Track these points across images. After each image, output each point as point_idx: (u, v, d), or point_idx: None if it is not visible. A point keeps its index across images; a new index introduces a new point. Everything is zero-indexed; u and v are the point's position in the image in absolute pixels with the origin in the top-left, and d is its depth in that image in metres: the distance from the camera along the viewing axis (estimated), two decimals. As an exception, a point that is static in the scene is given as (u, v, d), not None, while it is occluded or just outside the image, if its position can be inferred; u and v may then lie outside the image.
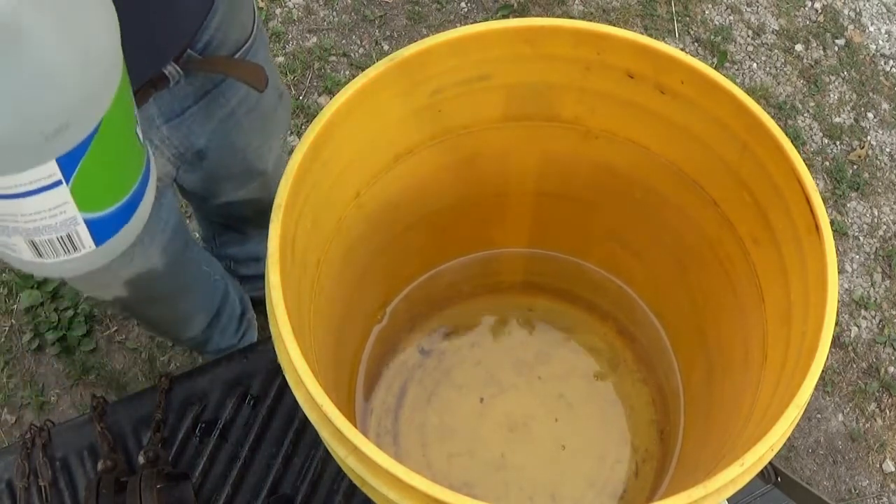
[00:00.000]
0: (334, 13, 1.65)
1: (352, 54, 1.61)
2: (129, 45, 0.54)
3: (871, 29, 1.75)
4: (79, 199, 0.42)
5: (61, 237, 0.43)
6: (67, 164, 0.40)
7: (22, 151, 0.38)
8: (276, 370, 0.69)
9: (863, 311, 1.48)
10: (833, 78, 1.69)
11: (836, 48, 1.72)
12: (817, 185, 1.50)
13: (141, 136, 0.45)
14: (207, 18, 0.63)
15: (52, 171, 0.40)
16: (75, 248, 0.44)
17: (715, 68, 0.56)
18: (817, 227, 0.50)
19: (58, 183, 0.40)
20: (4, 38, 0.35)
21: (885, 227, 1.55)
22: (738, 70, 1.69)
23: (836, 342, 1.45)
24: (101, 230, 0.44)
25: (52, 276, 0.47)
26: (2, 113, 0.36)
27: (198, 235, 1.43)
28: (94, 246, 0.45)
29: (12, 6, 0.34)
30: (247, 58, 0.69)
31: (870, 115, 1.66)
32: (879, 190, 1.59)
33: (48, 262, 0.45)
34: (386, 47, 1.61)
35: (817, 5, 1.77)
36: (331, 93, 1.53)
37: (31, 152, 0.39)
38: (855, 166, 1.61)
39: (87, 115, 0.40)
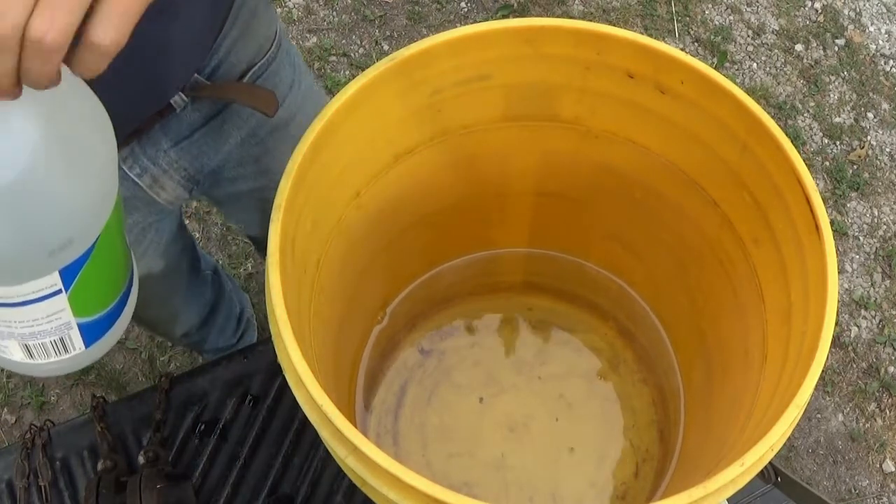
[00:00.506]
0: (334, 13, 1.65)
1: (352, 54, 1.61)
2: (131, 90, 0.54)
3: (871, 29, 1.75)
4: (74, 306, 0.43)
5: (54, 341, 0.44)
6: (68, 274, 0.41)
7: (26, 266, 0.39)
8: (276, 370, 0.69)
9: (863, 311, 1.48)
10: (833, 78, 1.69)
11: (836, 48, 1.72)
12: (817, 185, 1.51)
13: (127, 238, 0.46)
14: (216, 43, 0.61)
15: (53, 281, 0.41)
16: (66, 351, 0.45)
17: (715, 68, 0.56)
18: (817, 227, 0.50)
19: (57, 292, 0.41)
20: (19, 183, 0.36)
21: (885, 227, 1.55)
22: (738, 70, 1.69)
23: (836, 342, 1.45)
24: (91, 333, 0.46)
25: (39, 375, 0.48)
26: (10, 237, 0.37)
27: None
28: (83, 348, 0.46)
29: (30, 159, 0.35)
30: (265, 74, 0.66)
31: (870, 115, 1.66)
32: (879, 190, 1.59)
33: (38, 364, 0.46)
34: (386, 47, 1.61)
35: (817, 5, 1.77)
36: (331, 93, 1.53)
37: (35, 267, 0.40)
38: (855, 166, 1.61)
39: (90, 229, 0.41)
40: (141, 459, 0.64)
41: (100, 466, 0.64)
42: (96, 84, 0.51)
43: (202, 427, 0.67)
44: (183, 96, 0.60)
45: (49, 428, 0.67)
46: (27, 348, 0.45)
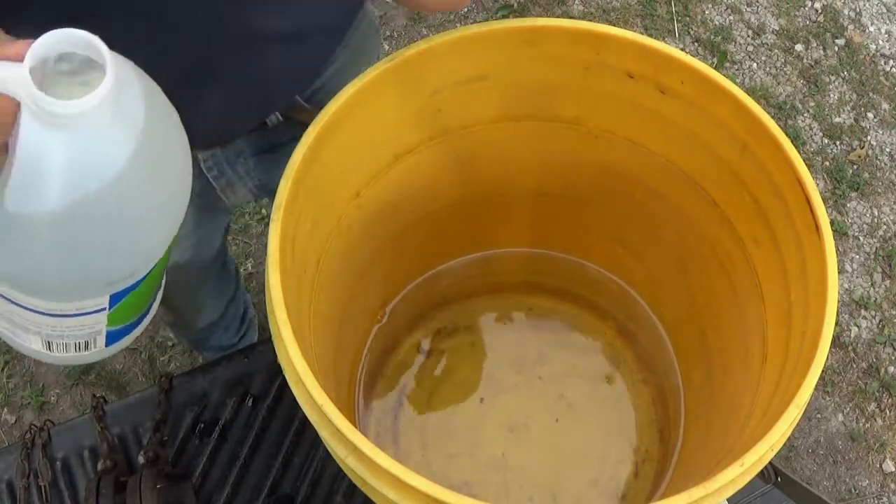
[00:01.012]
0: (334, 13, 1.65)
1: (352, 54, 1.61)
2: (236, 107, 0.54)
3: (871, 29, 1.75)
4: (111, 319, 0.44)
5: (79, 342, 0.46)
6: (117, 297, 0.42)
7: (83, 291, 0.41)
8: (276, 370, 0.69)
9: (863, 311, 1.48)
10: (833, 78, 1.69)
11: (836, 48, 1.72)
12: (817, 185, 1.50)
13: (181, 230, 0.47)
14: (324, 68, 0.62)
15: (101, 302, 0.42)
16: (87, 350, 0.47)
17: (715, 68, 0.56)
18: (817, 227, 0.50)
19: (101, 310, 0.43)
20: (101, 204, 0.36)
21: (885, 227, 1.55)
22: (738, 70, 1.69)
23: (836, 342, 1.45)
24: (115, 337, 0.47)
25: (52, 363, 0.49)
26: (80, 272, 0.38)
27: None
28: (103, 347, 0.48)
29: (118, 186, 0.36)
30: None
31: (870, 115, 1.66)
32: (879, 190, 1.59)
33: (54, 356, 0.47)
34: (386, 47, 1.61)
35: (817, 5, 1.77)
36: (331, 93, 1.52)
37: (91, 292, 0.41)
38: (855, 166, 1.61)
39: (150, 263, 0.42)
40: (141, 459, 0.64)
41: (100, 466, 0.64)
42: (206, 96, 0.52)
43: (202, 427, 0.67)
44: (279, 115, 0.62)
45: (49, 428, 0.67)
46: (49, 344, 0.45)
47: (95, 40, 0.35)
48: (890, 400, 1.42)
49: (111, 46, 0.34)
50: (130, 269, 0.40)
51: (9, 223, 0.35)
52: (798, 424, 0.52)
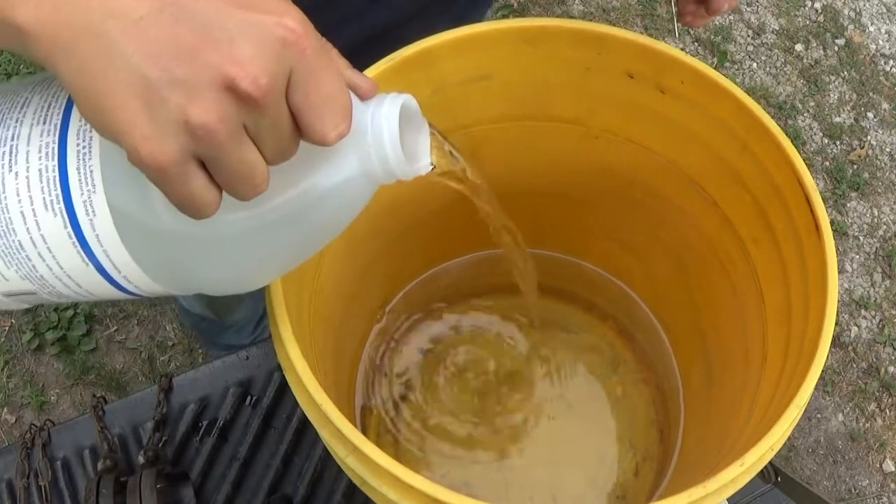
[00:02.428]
0: (334, 13, 1.65)
1: (352, 54, 1.61)
2: None
3: (871, 29, 1.75)
4: None
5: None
6: None
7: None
8: (276, 370, 0.69)
9: (863, 311, 1.48)
10: (833, 78, 1.69)
11: (836, 48, 1.73)
12: (817, 185, 1.51)
13: None
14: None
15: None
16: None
17: (715, 68, 0.56)
18: (817, 227, 0.50)
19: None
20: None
21: (885, 227, 1.55)
22: (738, 70, 1.69)
23: (836, 342, 1.45)
24: None
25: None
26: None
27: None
28: None
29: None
30: None
31: (870, 114, 1.66)
32: (879, 190, 1.59)
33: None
34: (386, 47, 1.61)
35: (817, 5, 1.77)
36: (331, 93, 1.52)
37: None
38: (855, 166, 1.61)
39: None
40: (141, 459, 0.64)
41: (100, 466, 0.64)
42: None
43: (202, 427, 0.67)
44: None
45: (49, 428, 0.67)
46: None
47: (416, 104, 0.37)
48: (890, 400, 1.42)
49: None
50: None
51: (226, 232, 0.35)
52: (798, 424, 0.52)
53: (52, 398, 1.35)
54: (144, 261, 0.35)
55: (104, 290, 0.37)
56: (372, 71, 0.53)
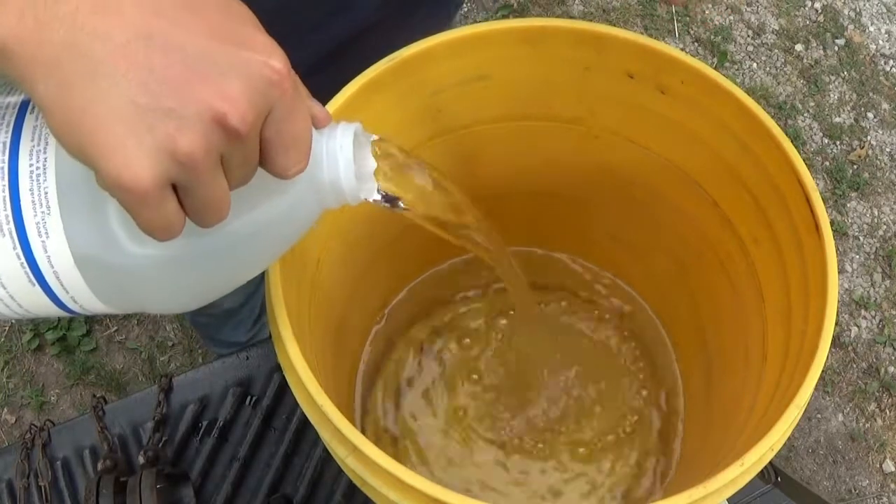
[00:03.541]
0: (334, 13, 1.65)
1: (352, 54, 1.61)
2: None
3: (871, 29, 1.75)
4: None
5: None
6: None
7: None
8: (276, 370, 0.69)
9: (863, 311, 1.48)
10: (833, 78, 1.69)
11: (836, 48, 1.73)
12: (817, 185, 1.51)
13: None
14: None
15: None
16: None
17: (715, 68, 0.56)
18: (817, 227, 0.50)
19: None
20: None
21: (885, 227, 1.55)
22: (738, 70, 1.69)
23: (836, 342, 1.45)
24: None
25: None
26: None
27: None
28: None
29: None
30: None
31: (870, 115, 1.66)
32: (879, 190, 1.59)
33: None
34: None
35: (817, 5, 1.77)
36: (331, 93, 1.52)
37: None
38: (855, 166, 1.61)
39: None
40: (141, 459, 0.64)
41: (100, 466, 0.64)
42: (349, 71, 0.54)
43: (202, 427, 0.67)
44: None
45: (49, 428, 0.67)
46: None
47: (362, 131, 0.39)
48: (890, 400, 1.42)
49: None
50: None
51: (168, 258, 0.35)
52: (798, 424, 0.52)
53: (52, 398, 1.35)
54: (95, 281, 0.35)
55: (43, 309, 0.37)
56: (371, 72, 0.54)
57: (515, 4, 1.70)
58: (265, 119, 0.32)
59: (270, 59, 0.31)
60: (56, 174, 0.33)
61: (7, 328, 1.40)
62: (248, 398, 0.68)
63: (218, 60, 0.30)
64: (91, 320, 1.41)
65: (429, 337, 0.72)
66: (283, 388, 0.69)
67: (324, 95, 0.51)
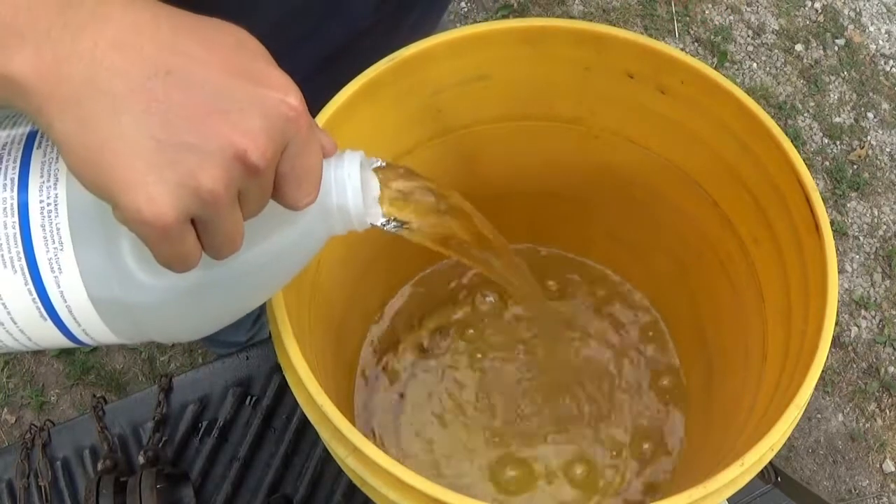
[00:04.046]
0: (334, 13, 1.65)
1: (352, 54, 1.61)
2: None
3: (871, 29, 1.75)
4: None
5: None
6: None
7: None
8: (276, 370, 0.69)
9: (863, 311, 1.48)
10: (833, 78, 1.69)
11: (836, 48, 1.73)
12: (817, 185, 1.51)
13: None
14: None
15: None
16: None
17: (715, 68, 0.56)
18: (817, 227, 0.50)
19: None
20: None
21: (885, 227, 1.55)
22: (738, 70, 1.69)
23: (836, 342, 1.45)
24: None
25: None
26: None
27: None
28: None
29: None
30: None
31: (870, 115, 1.66)
32: (879, 190, 1.59)
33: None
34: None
35: (817, 5, 1.77)
36: (331, 93, 1.52)
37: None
38: (855, 166, 1.61)
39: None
40: (141, 459, 0.64)
41: (100, 466, 0.64)
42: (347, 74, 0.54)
43: (202, 427, 0.67)
44: None
45: (49, 428, 0.67)
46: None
47: (366, 159, 0.40)
48: (890, 400, 1.42)
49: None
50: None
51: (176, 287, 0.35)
52: (798, 424, 0.52)
53: (52, 398, 1.35)
54: (108, 314, 0.36)
55: (53, 342, 0.38)
56: (371, 72, 0.54)
57: (515, 4, 1.70)
58: (282, 154, 0.32)
59: (287, 96, 0.32)
60: (68, 209, 0.33)
61: (7, 328, 1.40)
62: (248, 398, 0.68)
63: (236, 97, 0.30)
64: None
65: (429, 335, 0.72)
66: (283, 388, 0.69)
67: (320, 99, 0.51)
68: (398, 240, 0.67)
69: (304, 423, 0.67)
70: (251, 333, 1.21)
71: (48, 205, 0.33)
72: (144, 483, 0.58)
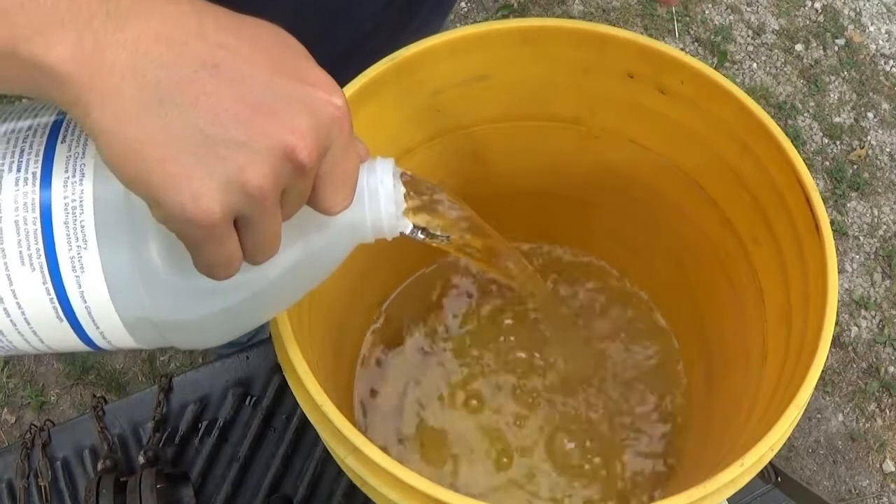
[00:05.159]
0: (334, 13, 1.65)
1: (352, 54, 1.61)
2: None
3: (871, 29, 1.75)
4: None
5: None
6: None
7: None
8: (276, 370, 0.69)
9: (863, 311, 1.48)
10: (833, 78, 1.69)
11: (836, 48, 1.73)
12: (817, 185, 1.51)
13: None
14: None
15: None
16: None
17: (715, 68, 0.56)
18: (817, 227, 0.50)
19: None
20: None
21: (885, 227, 1.55)
22: (738, 70, 1.69)
23: (836, 342, 1.45)
24: None
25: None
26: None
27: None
28: None
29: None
30: None
31: (870, 115, 1.66)
32: (879, 190, 1.59)
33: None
34: (386, 47, 1.61)
35: (817, 5, 1.77)
36: (331, 93, 1.52)
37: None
38: (855, 166, 1.61)
39: None
40: (141, 459, 0.64)
41: (100, 466, 0.64)
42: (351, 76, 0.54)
43: (202, 427, 0.67)
44: None
45: (49, 428, 0.67)
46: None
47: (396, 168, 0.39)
48: (890, 400, 1.42)
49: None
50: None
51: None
52: (798, 424, 0.52)
53: (52, 398, 1.35)
54: (130, 317, 0.34)
55: (66, 345, 0.36)
56: (371, 72, 0.54)
57: (515, 4, 1.70)
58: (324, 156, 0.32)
59: (332, 96, 0.31)
60: (94, 207, 0.32)
61: (7, 328, 1.40)
62: (248, 398, 0.68)
63: (284, 94, 0.30)
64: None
65: (430, 336, 0.72)
66: (283, 388, 0.69)
67: None
68: (398, 240, 0.67)
69: (304, 423, 0.67)
70: (251, 333, 1.21)
71: (73, 201, 0.32)
72: (144, 483, 0.58)
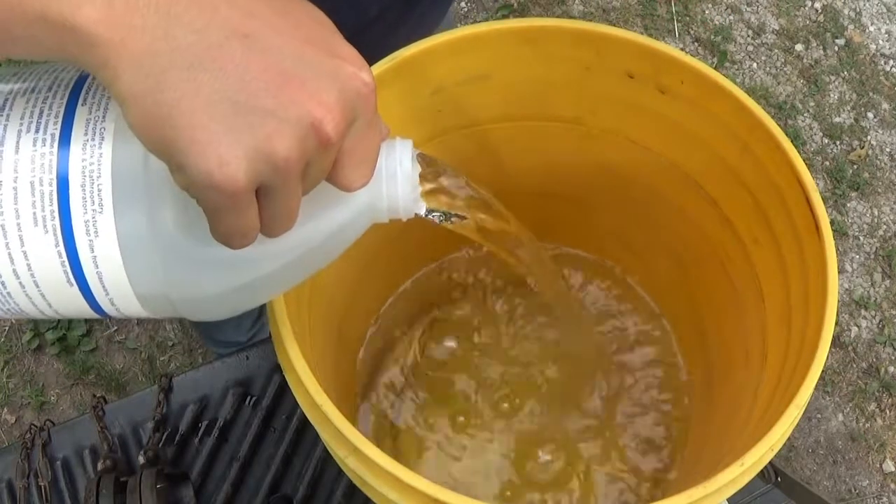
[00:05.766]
0: (334, 13, 1.65)
1: (352, 54, 1.61)
2: None
3: (871, 29, 1.75)
4: None
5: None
6: None
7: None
8: (276, 370, 0.69)
9: (863, 311, 1.48)
10: (833, 78, 1.69)
11: (836, 48, 1.73)
12: (817, 185, 1.51)
13: None
14: None
15: None
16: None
17: (715, 68, 0.56)
18: (817, 227, 0.50)
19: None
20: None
21: (885, 227, 1.55)
22: (738, 70, 1.69)
23: (836, 342, 1.45)
24: None
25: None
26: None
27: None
28: None
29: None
30: None
31: (870, 115, 1.66)
32: (879, 190, 1.59)
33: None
34: (386, 47, 1.61)
35: (817, 5, 1.77)
36: (331, 93, 1.52)
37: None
38: (855, 166, 1.61)
39: None
40: (141, 459, 0.64)
41: (100, 466, 0.64)
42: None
43: (202, 427, 0.67)
44: None
45: (49, 428, 0.67)
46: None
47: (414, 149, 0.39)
48: (890, 400, 1.42)
49: None
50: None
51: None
52: (798, 424, 0.52)
53: (52, 398, 1.35)
54: (141, 283, 0.34)
55: (73, 310, 0.36)
56: (373, 70, 0.53)
57: (515, 4, 1.70)
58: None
59: (361, 71, 0.31)
60: (112, 171, 0.32)
61: (7, 328, 1.40)
62: (248, 398, 0.68)
63: (313, 66, 0.30)
64: (91, 320, 1.41)
65: (429, 335, 0.72)
66: (283, 388, 0.69)
67: None
68: (399, 238, 0.67)
69: (304, 423, 0.67)
70: (251, 333, 1.21)
71: (91, 164, 0.32)
72: (144, 483, 0.58)
